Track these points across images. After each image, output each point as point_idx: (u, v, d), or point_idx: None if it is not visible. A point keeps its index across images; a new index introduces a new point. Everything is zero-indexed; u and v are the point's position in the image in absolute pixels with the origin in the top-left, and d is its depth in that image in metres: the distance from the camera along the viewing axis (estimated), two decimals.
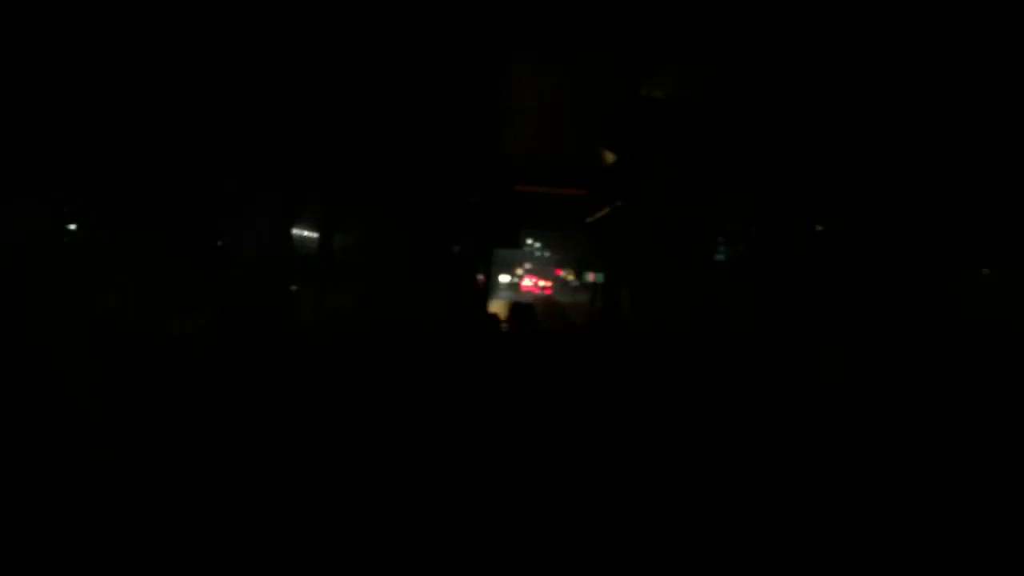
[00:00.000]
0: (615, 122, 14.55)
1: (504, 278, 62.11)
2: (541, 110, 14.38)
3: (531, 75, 12.70)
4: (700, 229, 14.66)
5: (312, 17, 9.07)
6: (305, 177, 10.83)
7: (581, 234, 24.00)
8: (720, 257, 14.08)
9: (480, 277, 18.71)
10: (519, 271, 68.29)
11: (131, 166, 7.35)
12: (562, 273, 68.53)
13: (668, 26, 10.24)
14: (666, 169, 14.90)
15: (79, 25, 6.24)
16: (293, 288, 10.51)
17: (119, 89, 6.79)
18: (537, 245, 67.18)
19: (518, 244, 20.15)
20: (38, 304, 5.99)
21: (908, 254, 9.00)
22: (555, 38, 10.67)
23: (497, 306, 27.34)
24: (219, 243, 8.60)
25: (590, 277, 32.67)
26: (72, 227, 7.03)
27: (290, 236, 10.79)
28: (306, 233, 11.83)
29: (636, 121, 14.04)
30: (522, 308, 19.12)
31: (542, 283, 65.79)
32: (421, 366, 9.13)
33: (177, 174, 7.81)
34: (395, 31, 10.41)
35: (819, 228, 11.11)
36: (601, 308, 25.55)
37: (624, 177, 16.76)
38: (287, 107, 9.46)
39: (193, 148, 7.99)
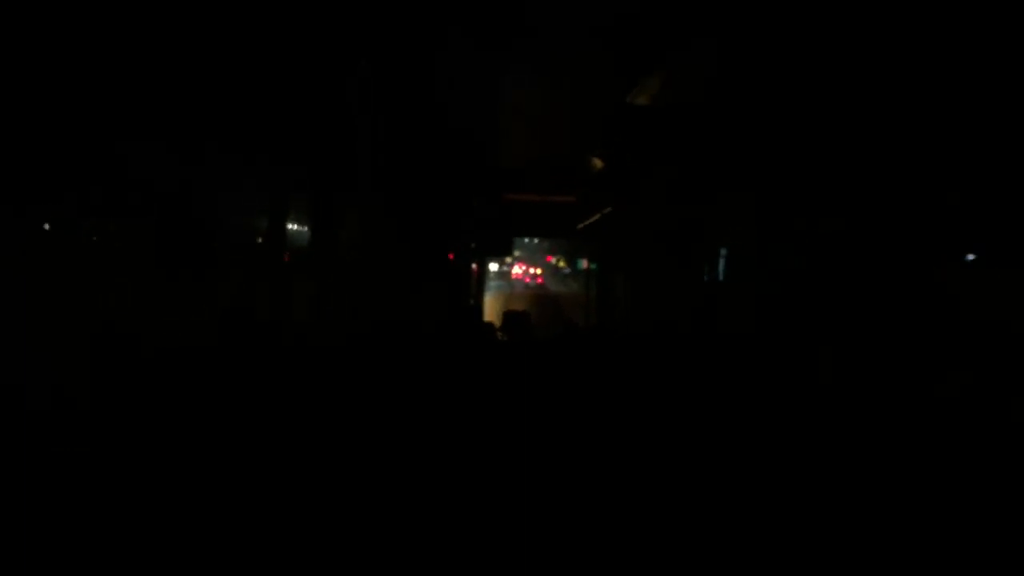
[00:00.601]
0: (612, 124, 14.62)
1: (493, 266, 62.02)
2: (532, 118, 14.41)
3: (524, 82, 12.72)
4: (700, 229, 14.82)
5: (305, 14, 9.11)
6: (294, 177, 10.85)
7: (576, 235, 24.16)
8: (721, 257, 14.23)
9: (474, 267, 18.82)
10: (508, 259, 67.98)
11: (127, 168, 7.37)
12: (553, 260, 68.13)
13: (665, 26, 10.28)
14: (665, 169, 14.99)
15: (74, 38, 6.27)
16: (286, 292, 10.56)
17: (116, 93, 6.84)
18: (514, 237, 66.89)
19: (510, 252, 20.31)
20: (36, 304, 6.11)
21: (907, 255, 9.25)
22: (550, 42, 10.67)
23: (489, 303, 27.46)
24: (210, 246, 8.65)
25: (584, 264, 32.72)
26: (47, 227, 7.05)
27: (283, 239, 10.80)
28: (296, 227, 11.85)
29: (635, 121, 14.11)
30: (517, 316, 19.24)
31: (533, 271, 65.50)
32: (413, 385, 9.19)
33: (170, 178, 7.80)
34: (385, 34, 10.44)
35: (819, 229, 11.29)
36: (596, 299, 25.57)
37: (615, 183, 16.85)
38: (280, 106, 9.47)
39: (185, 149, 7.97)
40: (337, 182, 11.53)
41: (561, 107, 14.26)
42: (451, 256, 17.15)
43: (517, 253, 68.93)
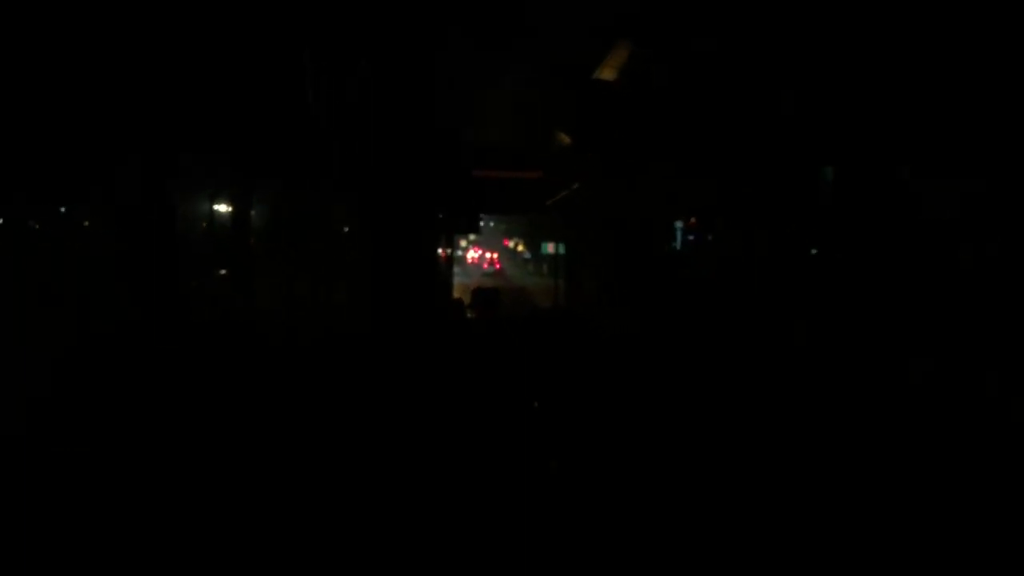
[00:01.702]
0: (579, 98, 15.34)
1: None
2: (503, 102, 15.07)
3: (498, 77, 13.39)
4: (659, 220, 15.65)
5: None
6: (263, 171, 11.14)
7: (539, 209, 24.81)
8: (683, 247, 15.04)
9: (441, 252, 19.48)
10: (463, 243, 66.97)
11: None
12: (510, 244, 67.60)
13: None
14: (620, 158, 15.73)
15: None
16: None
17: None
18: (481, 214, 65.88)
19: (478, 229, 20.93)
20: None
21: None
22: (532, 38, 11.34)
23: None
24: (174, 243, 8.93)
25: (549, 248, 30.96)
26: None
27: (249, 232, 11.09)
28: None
29: (601, 95, 14.81)
30: (486, 293, 20.04)
31: (489, 255, 64.85)
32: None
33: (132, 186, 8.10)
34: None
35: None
36: (565, 286, 26.08)
37: (580, 160, 17.63)
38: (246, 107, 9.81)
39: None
40: (310, 172, 11.93)
41: (532, 90, 14.99)
42: (422, 242, 17.74)
43: (472, 237, 68.21)
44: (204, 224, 10.78)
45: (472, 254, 67.40)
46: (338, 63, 10.95)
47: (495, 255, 64.99)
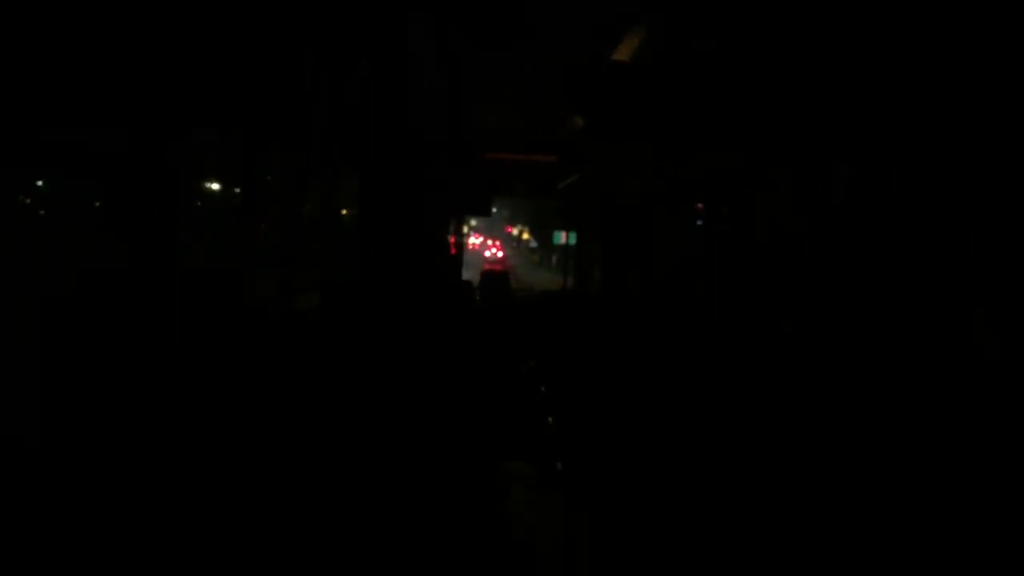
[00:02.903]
0: (583, 87, 16.08)
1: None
2: (514, 79, 15.79)
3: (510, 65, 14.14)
4: (668, 199, 16.23)
5: None
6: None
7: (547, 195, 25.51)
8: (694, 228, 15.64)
9: (451, 238, 20.27)
10: (464, 229, 66.76)
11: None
12: (513, 231, 67.64)
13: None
14: (633, 138, 16.40)
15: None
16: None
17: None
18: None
19: (488, 212, 21.61)
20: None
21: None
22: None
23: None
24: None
25: (562, 237, 30.69)
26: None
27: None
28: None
29: (616, 76, 15.53)
30: (495, 278, 20.87)
31: (491, 244, 64.95)
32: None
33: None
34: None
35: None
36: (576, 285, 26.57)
37: (592, 142, 18.35)
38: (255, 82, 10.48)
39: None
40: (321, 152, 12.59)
41: (543, 75, 15.72)
42: (432, 227, 18.48)
43: (473, 223, 68.17)
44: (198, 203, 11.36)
45: (473, 240, 67.44)
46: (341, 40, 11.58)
47: (497, 243, 64.96)
